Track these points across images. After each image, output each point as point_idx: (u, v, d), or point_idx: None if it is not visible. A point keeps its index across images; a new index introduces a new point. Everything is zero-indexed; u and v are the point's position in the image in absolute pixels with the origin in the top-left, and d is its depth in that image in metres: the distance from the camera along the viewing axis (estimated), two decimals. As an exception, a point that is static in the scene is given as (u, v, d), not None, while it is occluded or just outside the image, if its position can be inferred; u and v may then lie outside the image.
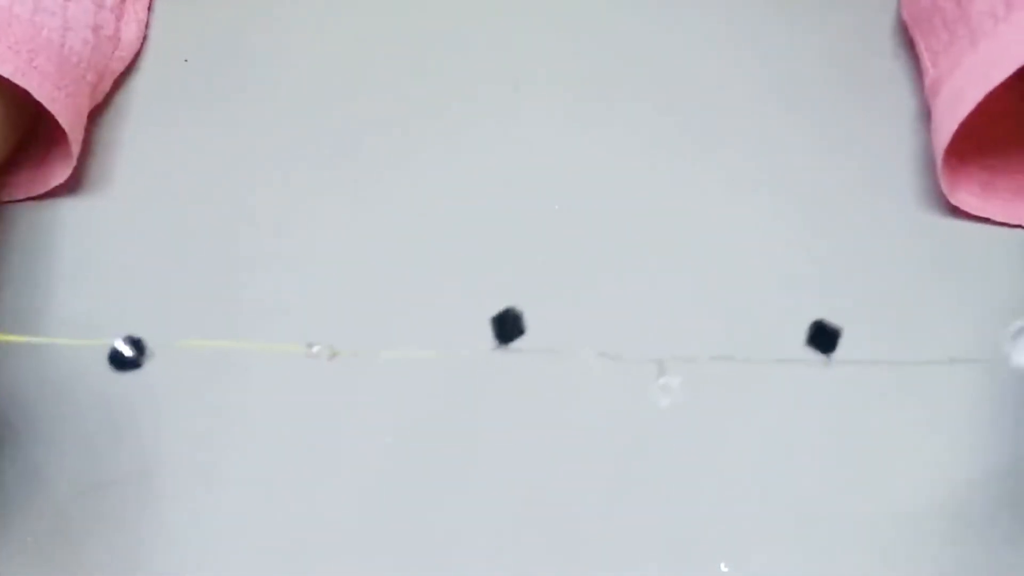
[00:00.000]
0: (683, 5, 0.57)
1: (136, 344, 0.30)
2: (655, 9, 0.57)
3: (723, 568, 0.40)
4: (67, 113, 0.48)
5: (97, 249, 0.49)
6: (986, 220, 0.49)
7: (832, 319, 0.44)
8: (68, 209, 0.50)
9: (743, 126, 0.53)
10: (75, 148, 0.49)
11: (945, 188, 0.49)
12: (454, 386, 0.44)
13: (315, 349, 0.33)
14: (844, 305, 0.46)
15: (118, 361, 0.30)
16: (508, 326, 0.32)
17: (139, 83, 0.55)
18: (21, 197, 0.50)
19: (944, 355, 0.43)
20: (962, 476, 0.43)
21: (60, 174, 0.50)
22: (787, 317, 0.45)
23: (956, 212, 0.49)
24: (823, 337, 0.33)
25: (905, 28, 0.56)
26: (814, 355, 0.32)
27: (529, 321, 0.45)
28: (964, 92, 0.47)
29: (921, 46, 0.53)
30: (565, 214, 0.50)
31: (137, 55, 0.55)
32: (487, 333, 0.44)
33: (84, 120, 0.51)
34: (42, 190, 0.50)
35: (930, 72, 0.52)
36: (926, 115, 0.52)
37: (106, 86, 0.53)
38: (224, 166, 0.52)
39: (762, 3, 0.57)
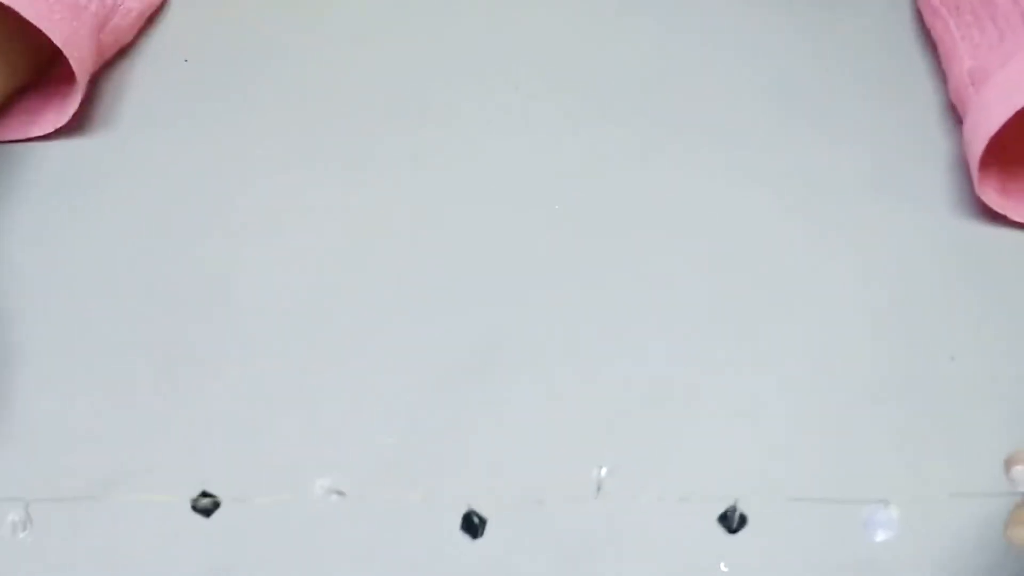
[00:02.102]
0: (688, 8, 0.57)
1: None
2: (661, 11, 0.57)
3: (723, 568, 0.40)
4: (61, 33, 0.49)
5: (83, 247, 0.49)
6: (1005, 221, 0.49)
7: (835, 318, 0.45)
8: (64, 201, 0.50)
9: (745, 124, 0.53)
10: (79, 75, 0.50)
11: (975, 179, 0.48)
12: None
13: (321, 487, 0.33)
14: (855, 304, 0.46)
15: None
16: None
17: (140, 84, 0.55)
18: (36, 134, 0.52)
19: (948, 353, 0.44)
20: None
21: (71, 105, 0.51)
22: (791, 318, 0.46)
23: (977, 211, 0.49)
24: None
25: (922, 16, 0.56)
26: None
27: (523, 318, 0.45)
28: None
29: (955, 34, 0.53)
30: (564, 213, 0.50)
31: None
32: (481, 334, 0.45)
33: (88, 46, 0.51)
34: (54, 125, 0.52)
35: (965, 61, 0.52)
36: (948, 107, 0.53)
37: (122, 25, 0.54)
38: (224, 167, 0.52)
39: (769, 2, 0.58)
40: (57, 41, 0.49)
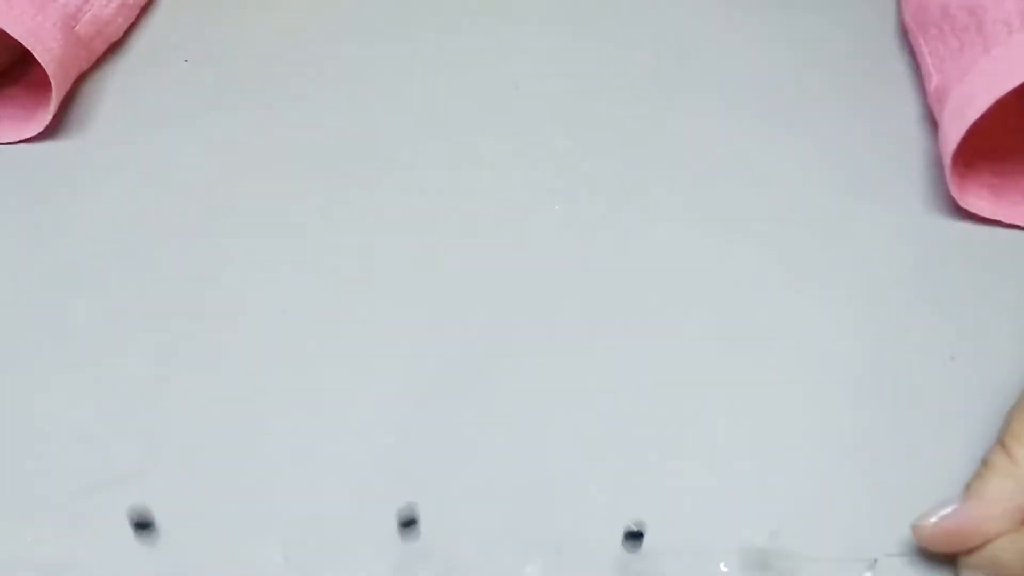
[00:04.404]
0: (683, 8, 0.57)
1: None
2: (655, 11, 0.57)
3: (723, 568, 0.39)
4: (22, 28, 0.49)
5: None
6: (994, 223, 0.49)
7: (833, 320, 0.45)
8: (60, 202, 0.50)
9: (743, 125, 0.53)
10: (51, 70, 0.49)
11: (954, 192, 0.49)
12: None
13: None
14: (845, 305, 0.46)
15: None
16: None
17: (133, 83, 0.55)
18: (27, 135, 0.51)
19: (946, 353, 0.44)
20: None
21: (54, 103, 0.50)
22: (774, 319, 0.45)
23: (961, 214, 0.49)
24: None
25: (906, 32, 0.56)
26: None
27: (518, 312, 0.45)
28: (975, 97, 0.47)
29: (924, 51, 0.54)
30: (564, 213, 0.50)
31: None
32: (475, 334, 0.45)
33: (60, 39, 0.51)
34: (41, 125, 0.51)
35: (934, 77, 0.52)
36: (928, 118, 0.53)
37: (104, 15, 0.54)
38: (221, 168, 0.51)
39: (763, 6, 0.58)
40: (17, 36, 0.48)
